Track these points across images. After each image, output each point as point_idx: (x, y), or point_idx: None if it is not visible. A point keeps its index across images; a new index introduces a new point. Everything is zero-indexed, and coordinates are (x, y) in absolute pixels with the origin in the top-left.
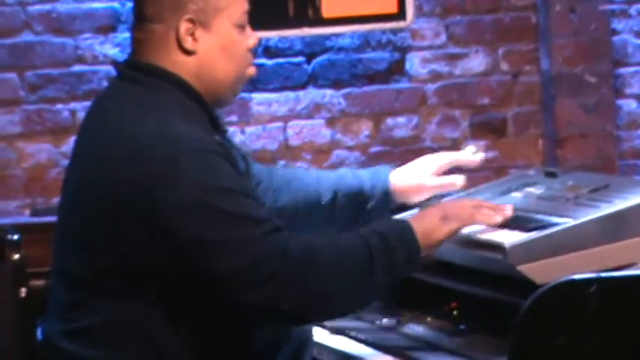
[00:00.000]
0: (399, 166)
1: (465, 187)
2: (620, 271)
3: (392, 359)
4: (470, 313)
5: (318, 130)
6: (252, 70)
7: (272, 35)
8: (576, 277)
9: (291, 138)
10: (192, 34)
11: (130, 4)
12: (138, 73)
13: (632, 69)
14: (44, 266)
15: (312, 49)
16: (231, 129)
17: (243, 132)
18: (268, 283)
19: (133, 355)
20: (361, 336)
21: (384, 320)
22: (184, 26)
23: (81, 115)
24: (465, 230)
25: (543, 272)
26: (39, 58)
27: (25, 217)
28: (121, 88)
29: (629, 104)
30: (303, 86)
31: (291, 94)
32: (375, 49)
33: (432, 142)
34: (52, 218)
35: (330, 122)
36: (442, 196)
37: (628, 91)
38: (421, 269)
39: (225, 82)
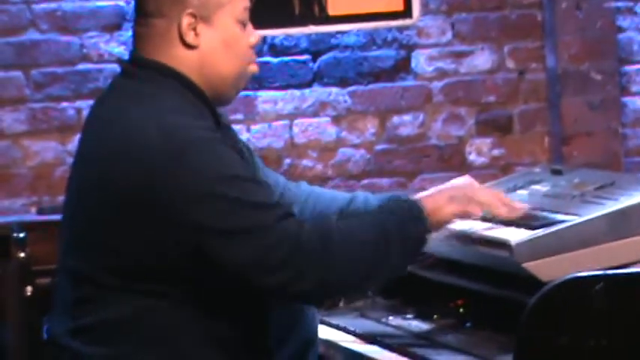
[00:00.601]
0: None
1: None
2: (626, 269)
3: (398, 356)
4: (476, 311)
5: (323, 128)
6: (254, 68)
7: (278, 33)
8: (582, 274)
9: (296, 136)
10: (194, 29)
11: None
12: (139, 69)
13: (637, 66)
14: (50, 264)
15: (317, 46)
16: (236, 127)
17: (248, 130)
18: (282, 269)
19: (139, 352)
20: (367, 333)
21: (390, 318)
22: (186, 20)
23: (86, 113)
24: (471, 228)
25: (549, 270)
26: (44, 56)
27: (31, 216)
28: (123, 85)
29: (634, 102)
30: (308, 84)
31: (296, 92)
32: (380, 47)
33: (438, 140)
34: (58, 216)
35: (336, 120)
36: None
37: (634, 88)
38: (427, 267)
39: (227, 77)
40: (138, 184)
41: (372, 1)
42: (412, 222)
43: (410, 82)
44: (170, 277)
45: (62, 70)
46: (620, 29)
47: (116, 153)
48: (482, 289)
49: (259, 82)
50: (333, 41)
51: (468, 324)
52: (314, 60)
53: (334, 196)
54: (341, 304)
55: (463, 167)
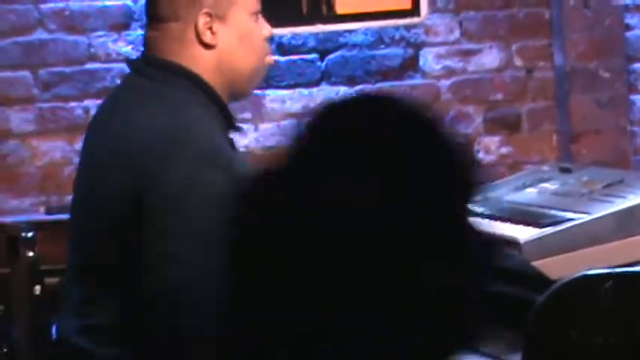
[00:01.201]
0: None
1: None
2: (635, 267)
3: None
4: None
5: None
6: (270, 60)
7: (285, 32)
8: (591, 272)
9: None
10: (211, 28)
11: (143, 1)
12: (153, 68)
13: None
14: (59, 263)
15: (325, 45)
16: (245, 126)
17: (256, 129)
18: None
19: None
20: None
21: None
22: (202, 20)
23: (94, 112)
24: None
25: (558, 267)
26: (52, 56)
27: (40, 215)
28: (135, 84)
29: None
30: (316, 83)
31: (304, 91)
32: (388, 46)
33: None
34: (67, 216)
35: None
36: None
37: None
38: None
39: (245, 72)
40: (145, 183)
41: None
42: None
43: (418, 80)
44: None
45: (70, 70)
46: (629, 27)
47: (122, 150)
48: (490, 287)
49: (267, 81)
50: (341, 40)
51: None
52: (322, 59)
53: None
54: None
55: None
